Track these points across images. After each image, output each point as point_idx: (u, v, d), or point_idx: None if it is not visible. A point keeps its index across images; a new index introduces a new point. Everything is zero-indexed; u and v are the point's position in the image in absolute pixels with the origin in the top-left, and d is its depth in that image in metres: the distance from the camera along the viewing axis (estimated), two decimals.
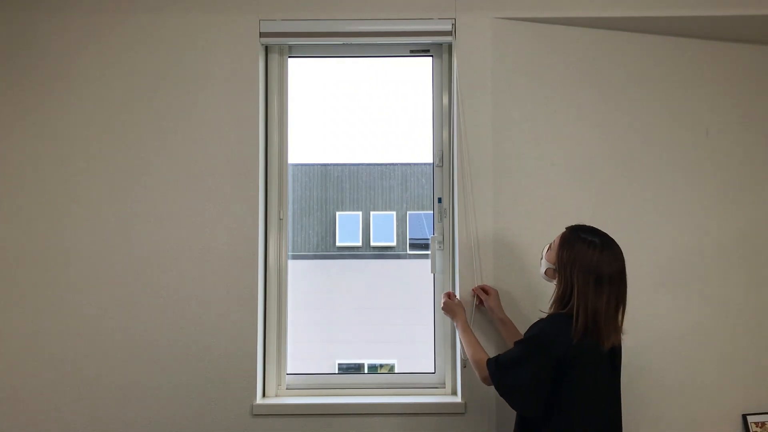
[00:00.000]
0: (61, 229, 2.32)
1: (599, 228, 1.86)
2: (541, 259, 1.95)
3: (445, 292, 2.31)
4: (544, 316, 1.87)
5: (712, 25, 2.38)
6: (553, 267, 1.86)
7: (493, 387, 1.86)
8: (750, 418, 2.32)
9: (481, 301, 2.24)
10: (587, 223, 1.89)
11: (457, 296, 2.31)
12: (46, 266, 2.31)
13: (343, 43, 2.45)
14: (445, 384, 2.44)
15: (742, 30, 2.40)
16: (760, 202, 2.43)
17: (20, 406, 2.29)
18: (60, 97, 2.35)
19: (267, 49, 2.48)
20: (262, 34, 2.36)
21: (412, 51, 2.52)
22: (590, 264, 1.75)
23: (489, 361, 1.88)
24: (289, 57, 2.51)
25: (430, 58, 2.51)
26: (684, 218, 2.38)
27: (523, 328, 2.01)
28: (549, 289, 1.90)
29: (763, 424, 2.32)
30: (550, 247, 1.92)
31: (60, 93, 2.35)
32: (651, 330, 2.32)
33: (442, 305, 2.25)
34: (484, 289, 2.25)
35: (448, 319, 2.43)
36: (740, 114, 2.44)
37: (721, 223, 2.40)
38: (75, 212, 2.33)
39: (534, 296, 2.22)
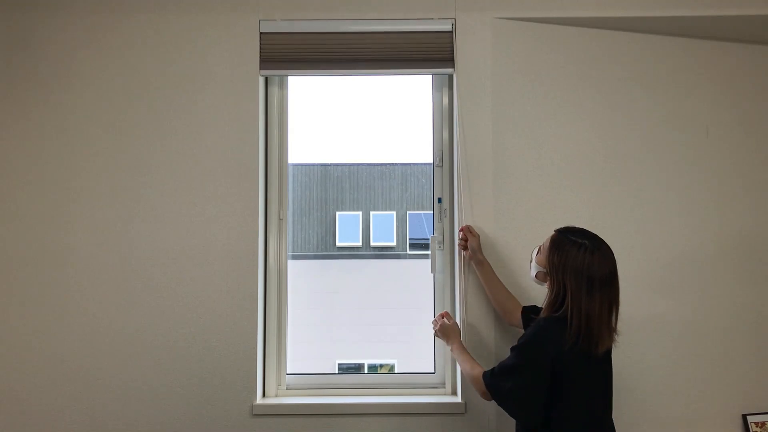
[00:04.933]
0: (61, 229, 2.32)
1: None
2: (531, 262, 1.94)
3: (440, 312, 2.24)
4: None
5: (712, 25, 2.38)
6: (544, 270, 1.84)
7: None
8: (750, 418, 2.32)
9: (465, 246, 2.24)
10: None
11: (456, 317, 2.30)
12: (46, 266, 2.31)
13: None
14: (445, 384, 2.44)
15: (742, 30, 2.40)
16: (760, 202, 2.43)
17: (20, 406, 2.29)
18: (60, 97, 2.35)
19: None
20: (262, 35, 2.36)
21: None
22: (582, 267, 1.72)
23: (485, 373, 1.85)
24: None
25: None
26: (684, 218, 2.38)
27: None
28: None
29: (763, 424, 2.32)
30: (539, 250, 1.89)
31: (60, 93, 2.35)
32: (651, 330, 2.32)
33: (437, 327, 2.18)
34: (471, 230, 2.25)
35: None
36: (740, 114, 2.44)
37: (721, 223, 2.40)
38: (75, 212, 2.33)
39: (533, 296, 2.21)
